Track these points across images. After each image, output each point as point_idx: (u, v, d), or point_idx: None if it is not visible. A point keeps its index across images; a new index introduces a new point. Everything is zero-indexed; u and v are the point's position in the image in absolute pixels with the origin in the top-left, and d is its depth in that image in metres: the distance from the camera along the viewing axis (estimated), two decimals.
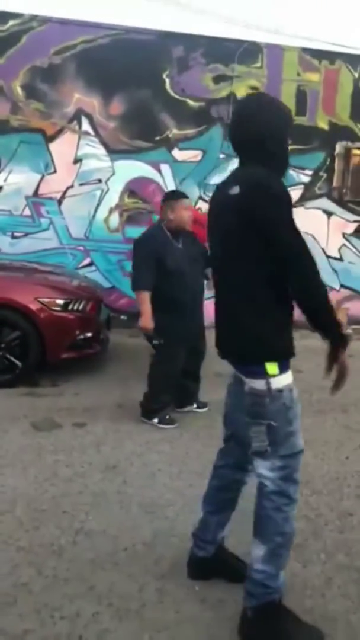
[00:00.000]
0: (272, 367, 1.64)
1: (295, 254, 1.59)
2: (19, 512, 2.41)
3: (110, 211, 6.36)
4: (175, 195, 3.70)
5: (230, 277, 1.70)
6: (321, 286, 1.61)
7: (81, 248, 6.35)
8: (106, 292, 5.90)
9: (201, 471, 2.89)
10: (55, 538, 2.23)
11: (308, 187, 6.77)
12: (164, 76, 6.23)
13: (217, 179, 6.45)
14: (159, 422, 3.49)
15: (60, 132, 6.11)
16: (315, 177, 6.79)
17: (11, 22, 5.82)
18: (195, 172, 6.44)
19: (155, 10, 6.17)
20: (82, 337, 4.35)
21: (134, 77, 6.15)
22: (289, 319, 1.72)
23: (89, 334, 4.41)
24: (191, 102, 6.34)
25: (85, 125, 6.15)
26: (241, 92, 6.43)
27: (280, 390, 1.66)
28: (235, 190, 1.63)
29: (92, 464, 2.92)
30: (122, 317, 6.40)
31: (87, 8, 5.94)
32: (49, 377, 4.33)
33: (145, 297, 3.37)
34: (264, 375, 1.65)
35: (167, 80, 6.26)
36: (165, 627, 1.78)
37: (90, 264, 6.40)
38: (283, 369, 1.67)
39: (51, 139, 6.10)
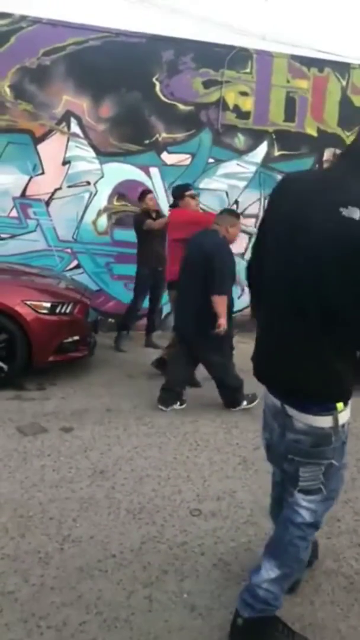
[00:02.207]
0: (340, 404, 1.53)
1: None
2: (4, 518, 2.37)
3: (99, 214, 6.33)
4: (237, 215, 4.18)
5: (305, 306, 1.44)
6: None
7: (69, 250, 6.30)
8: (94, 295, 5.85)
9: (190, 476, 2.88)
10: (42, 545, 2.20)
11: None
12: (154, 80, 6.22)
13: (206, 183, 6.47)
14: (248, 403, 3.94)
15: (48, 133, 6.06)
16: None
17: (0, 22, 5.77)
18: (185, 175, 6.43)
19: (146, 14, 6.15)
20: (69, 340, 4.31)
21: (124, 80, 6.13)
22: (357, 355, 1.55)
23: (77, 337, 4.37)
24: (181, 106, 6.34)
25: (74, 127, 6.11)
26: (230, 97, 6.46)
27: (343, 426, 1.54)
28: (356, 214, 1.31)
29: (79, 469, 2.88)
30: (110, 320, 6.36)
31: (77, 10, 5.91)
32: (36, 381, 4.28)
33: (225, 300, 3.68)
34: (333, 411, 1.50)
35: (157, 84, 6.25)
36: (155, 637, 1.76)
37: (78, 267, 6.35)
38: (346, 402, 1.55)
39: (39, 140, 6.04)
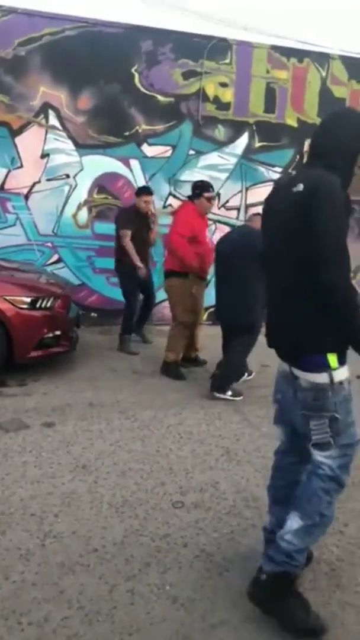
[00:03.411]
0: (333, 360, 1.69)
1: (325, 257, 1.60)
2: None
3: (79, 207, 6.26)
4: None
5: (291, 272, 1.72)
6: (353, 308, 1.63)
7: (49, 244, 6.23)
8: (75, 289, 5.80)
9: (172, 469, 2.88)
10: (23, 541, 2.18)
11: None
12: (133, 70, 6.16)
13: (186, 175, 6.44)
14: (233, 395, 4.04)
15: (26, 126, 5.96)
16: (284, 174, 6.84)
17: None
18: (165, 168, 6.40)
19: (123, 4, 6.08)
20: (50, 335, 4.27)
21: (102, 71, 6.05)
22: None
23: (58, 332, 4.33)
24: (160, 98, 6.28)
25: (52, 120, 6.02)
26: (210, 88, 6.42)
27: (341, 383, 1.71)
28: (299, 187, 1.68)
29: (61, 464, 2.86)
30: (92, 314, 6.32)
31: None
32: (17, 377, 4.23)
33: None
34: (327, 368, 1.69)
35: (136, 75, 6.19)
36: (137, 629, 1.76)
37: (59, 261, 6.29)
38: (341, 362, 1.72)
39: (17, 132, 5.94)
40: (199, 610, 1.86)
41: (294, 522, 1.76)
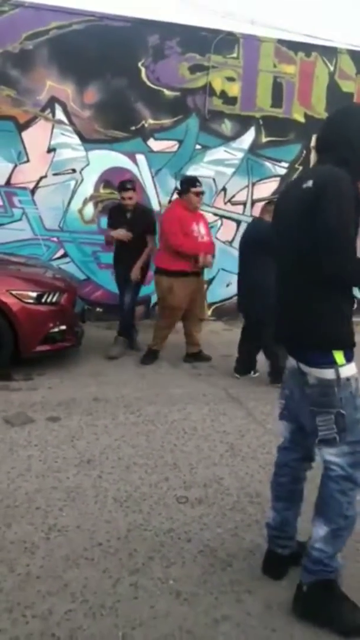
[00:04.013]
0: (339, 357, 1.71)
1: (329, 247, 1.61)
2: None
3: (85, 202, 6.26)
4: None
5: (299, 268, 1.74)
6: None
7: (55, 239, 6.24)
8: (81, 284, 5.81)
9: (177, 464, 2.89)
10: (28, 535, 2.19)
11: (284, 179, 6.77)
12: (140, 65, 6.13)
13: (193, 169, 6.42)
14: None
15: (33, 120, 5.95)
16: (291, 169, 6.80)
17: None
18: (172, 162, 6.38)
19: None
20: (56, 330, 4.28)
21: (109, 65, 6.03)
22: (351, 310, 1.77)
23: (63, 327, 4.34)
24: (167, 92, 6.25)
25: (59, 114, 6.01)
26: (217, 82, 6.38)
27: (348, 379, 1.72)
28: (309, 184, 1.70)
29: (66, 459, 2.87)
30: (98, 309, 6.33)
31: None
32: (23, 371, 4.25)
33: None
34: (333, 364, 1.70)
35: (143, 69, 6.16)
36: (140, 623, 1.77)
37: (65, 255, 6.29)
38: (348, 358, 1.73)
39: (24, 127, 5.93)
40: (202, 605, 1.87)
41: (319, 529, 1.77)
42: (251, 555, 2.15)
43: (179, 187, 4.77)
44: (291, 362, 1.90)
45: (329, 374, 1.71)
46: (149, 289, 5.63)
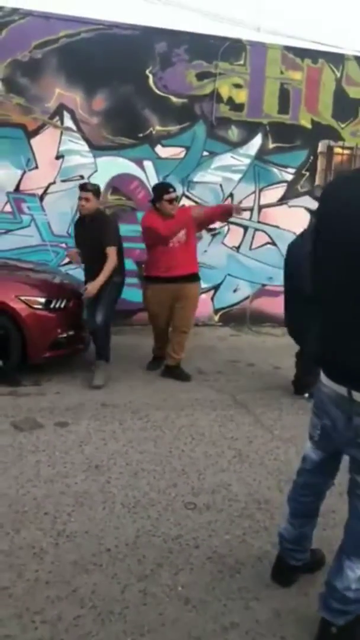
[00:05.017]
0: None
1: None
2: None
3: None
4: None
5: None
6: None
7: (63, 245, 6.27)
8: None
9: (185, 470, 2.89)
10: (36, 540, 2.20)
11: (291, 185, 6.79)
12: (147, 72, 6.17)
13: (200, 176, 6.44)
14: (309, 397, 3.93)
15: (41, 127, 6.01)
16: (298, 175, 6.81)
17: None
18: (179, 169, 6.41)
19: (138, 5, 6.10)
20: (64, 335, 4.30)
21: (117, 73, 6.08)
22: None
23: (72, 333, 4.36)
24: (174, 99, 6.29)
25: (67, 121, 6.06)
26: (224, 89, 6.42)
27: None
28: None
29: (74, 464, 2.88)
30: None
31: (69, 2, 5.85)
32: (31, 377, 4.27)
33: None
34: None
35: (150, 77, 6.20)
36: (149, 630, 1.77)
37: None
38: None
39: (33, 134, 5.99)
40: (210, 612, 1.86)
41: (357, 569, 1.66)
42: (259, 562, 2.14)
43: (152, 194, 4.53)
44: (333, 388, 1.66)
45: None
46: None
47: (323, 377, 1.72)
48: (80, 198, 4.32)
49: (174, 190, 4.34)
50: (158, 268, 4.35)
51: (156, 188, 4.47)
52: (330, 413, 1.70)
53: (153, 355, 4.83)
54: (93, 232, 4.26)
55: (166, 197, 4.25)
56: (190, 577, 2.04)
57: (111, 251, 4.20)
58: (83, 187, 4.36)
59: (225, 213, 4.84)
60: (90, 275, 4.33)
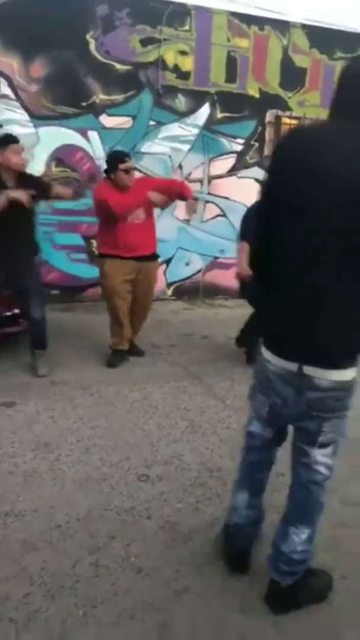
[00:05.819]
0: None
1: None
2: None
3: None
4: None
5: (335, 260, 1.41)
6: None
7: None
8: (42, 264, 5.62)
9: (138, 443, 2.87)
10: None
11: (240, 155, 6.74)
12: (88, 37, 5.89)
13: (147, 146, 6.29)
14: None
15: None
16: (246, 145, 6.77)
17: None
18: (125, 139, 6.22)
19: None
20: (8, 313, 4.15)
21: (56, 37, 5.76)
22: None
23: (17, 311, 4.21)
24: (118, 66, 6.05)
25: (5, 88, 5.72)
26: (170, 56, 6.23)
27: (356, 380, 1.58)
28: None
29: (23, 443, 2.80)
30: (53, 291, 6.17)
31: None
32: None
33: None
34: (354, 363, 1.53)
35: (92, 42, 5.93)
36: (101, 601, 1.76)
37: None
38: None
39: None
40: (163, 578, 1.87)
41: (302, 534, 1.71)
42: (211, 528, 2.16)
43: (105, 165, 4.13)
44: (281, 365, 1.59)
45: (349, 374, 1.53)
46: None
47: (269, 355, 1.63)
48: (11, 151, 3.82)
49: (130, 159, 4.04)
50: (117, 247, 3.98)
51: (110, 157, 4.09)
52: (279, 391, 1.64)
53: (113, 349, 4.23)
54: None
55: (122, 166, 3.90)
56: (143, 547, 2.03)
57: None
58: (10, 141, 3.84)
59: (179, 197, 4.25)
60: (5, 251, 3.73)
